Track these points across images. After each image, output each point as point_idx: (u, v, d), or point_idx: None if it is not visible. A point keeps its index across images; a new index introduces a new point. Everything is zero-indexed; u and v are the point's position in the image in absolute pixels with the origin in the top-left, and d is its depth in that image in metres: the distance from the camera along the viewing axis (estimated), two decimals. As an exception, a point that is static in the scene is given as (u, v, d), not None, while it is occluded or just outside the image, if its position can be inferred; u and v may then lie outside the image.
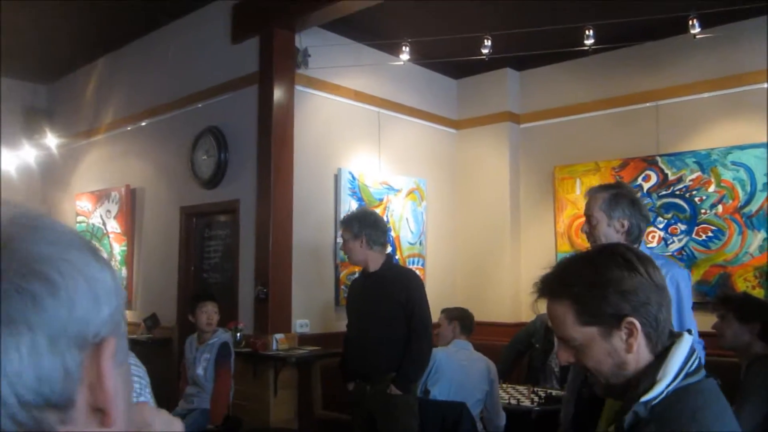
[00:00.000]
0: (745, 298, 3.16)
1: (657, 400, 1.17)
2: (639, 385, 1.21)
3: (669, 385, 1.18)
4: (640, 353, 1.23)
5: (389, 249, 3.89)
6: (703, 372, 1.22)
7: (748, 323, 2.95)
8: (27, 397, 0.47)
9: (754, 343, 2.94)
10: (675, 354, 1.21)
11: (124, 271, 6.05)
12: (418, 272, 5.17)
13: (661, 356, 1.23)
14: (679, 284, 2.24)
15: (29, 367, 0.46)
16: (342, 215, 5.03)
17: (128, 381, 0.58)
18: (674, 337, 1.27)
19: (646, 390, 1.18)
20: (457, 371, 3.77)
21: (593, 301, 1.21)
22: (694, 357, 1.22)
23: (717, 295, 3.37)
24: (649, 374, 1.20)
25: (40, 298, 0.48)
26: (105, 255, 0.58)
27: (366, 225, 3.69)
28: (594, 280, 1.23)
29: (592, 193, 2.49)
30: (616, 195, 2.43)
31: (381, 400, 3.51)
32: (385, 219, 5.35)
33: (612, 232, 2.42)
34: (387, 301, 3.58)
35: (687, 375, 1.20)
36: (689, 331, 1.27)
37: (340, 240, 3.76)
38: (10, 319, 0.46)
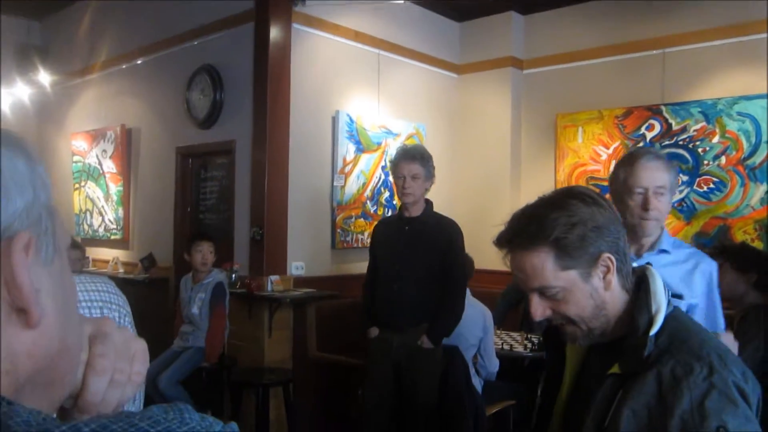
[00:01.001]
0: (744, 248, 3.15)
1: (654, 332, 1.19)
2: (633, 323, 1.21)
3: (664, 315, 1.21)
4: (614, 290, 1.24)
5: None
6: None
7: (746, 273, 2.94)
8: None
9: (749, 293, 2.94)
10: (656, 285, 1.24)
11: (120, 211, 6.03)
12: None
13: (639, 291, 1.24)
14: (712, 277, 2.06)
15: None
16: (339, 158, 4.99)
17: (66, 286, 0.54)
18: (639, 273, 1.29)
19: (646, 324, 1.19)
20: None
21: (574, 242, 1.19)
22: (665, 285, 1.26)
23: (715, 244, 3.35)
24: (642, 309, 1.21)
25: None
26: (27, 148, 0.52)
27: (433, 166, 3.51)
28: (571, 221, 1.20)
29: None
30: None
31: (410, 351, 3.36)
32: (383, 164, 5.31)
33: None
34: (427, 249, 3.39)
35: (668, 303, 1.24)
36: (648, 264, 1.31)
37: (403, 175, 3.39)
38: None
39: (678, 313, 1.24)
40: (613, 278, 1.22)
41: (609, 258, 1.21)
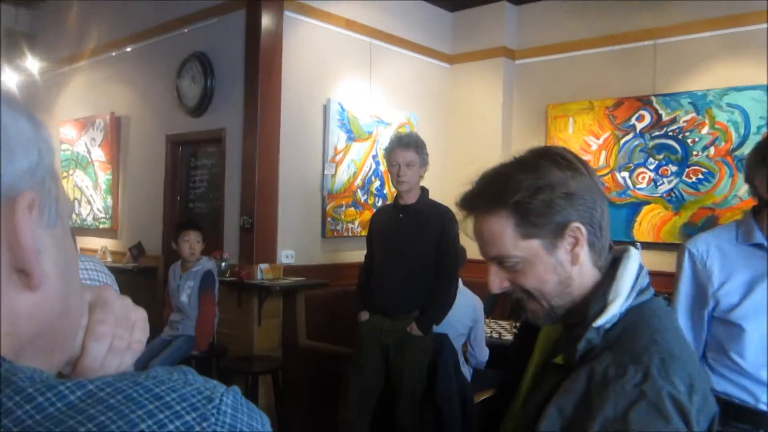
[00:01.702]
0: None
1: (610, 324, 1.04)
2: (588, 308, 1.07)
3: (622, 306, 1.06)
4: (584, 267, 1.10)
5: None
6: (652, 289, 1.11)
7: None
8: None
9: None
10: (625, 270, 1.08)
11: (109, 200, 5.99)
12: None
13: (609, 274, 1.10)
14: None
15: None
16: (330, 147, 4.98)
17: (68, 251, 0.53)
18: (617, 252, 1.14)
19: (597, 313, 1.04)
20: None
21: (538, 208, 1.06)
22: (644, 272, 1.11)
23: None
24: (599, 295, 1.07)
25: None
26: (32, 111, 0.52)
27: (427, 153, 3.51)
28: (537, 185, 1.06)
29: None
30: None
31: (398, 337, 3.39)
32: (374, 153, 5.30)
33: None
34: (422, 236, 3.40)
35: (639, 293, 1.08)
36: (634, 244, 1.15)
37: (398, 163, 3.40)
38: None
39: (651, 306, 1.08)
40: (582, 252, 1.08)
41: (578, 228, 1.07)
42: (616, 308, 1.04)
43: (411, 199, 3.47)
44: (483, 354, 3.85)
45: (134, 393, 0.43)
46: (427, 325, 3.35)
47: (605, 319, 1.03)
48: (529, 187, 1.06)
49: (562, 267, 1.09)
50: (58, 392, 0.42)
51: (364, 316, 3.52)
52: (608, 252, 1.14)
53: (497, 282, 1.13)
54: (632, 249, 1.13)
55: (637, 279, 1.08)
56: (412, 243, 3.41)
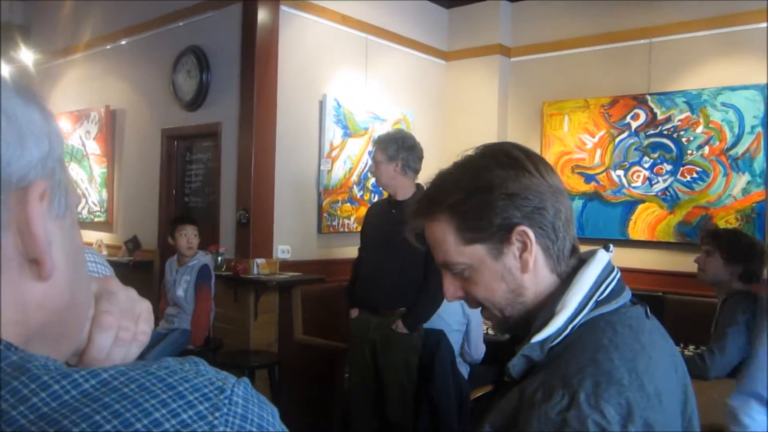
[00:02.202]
0: (735, 238, 3.11)
1: (558, 340, 0.92)
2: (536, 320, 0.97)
3: (573, 319, 0.93)
4: (538, 273, 1.00)
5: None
6: (623, 299, 0.97)
7: (733, 264, 2.95)
8: None
9: (733, 282, 2.97)
10: (581, 278, 0.96)
11: (104, 194, 5.97)
12: None
13: (566, 281, 0.99)
14: None
15: None
16: (326, 142, 4.98)
17: (76, 242, 0.54)
18: (585, 255, 1.03)
19: (541, 326, 0.94)
20: None
21: (475, 210, 0.98)
22: (610, 279, 0.97)
23: (707, 227, 3.31)
24: (549, 306, 0.96)
25: None
26: (41, 100, 0.52)
27: (404, 148, 3.42)
28: (474, 186, 0.99)
29: None
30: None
31: (385, 334, 3.38)
32: (369, 149, 5.30)
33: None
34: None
35: (597, 304, 0.95)
36: (606, 247, 1.02)
37: (376, 159, 3.46)
38: None
39: (610, 319, 0.94)
40: (532, 258, 0.98)
41: (524, 232, 0.97)
42: (560, 321, 0.93)
43: (403, 195, 3.43)
44: (479, 352, 3.85)
45: (147, 382, 0.43)
46: (412, 323, 3.33)
47: (546, 333, 0.92)
48: (465, 188, 1.00)
49: (510, 274, 0.99)
50: (72, 380, 0.42)
51: (354, 312, 3.52)
52: (571, 255, 1.02)
53: (451, 290, 1.05)
54: (599, 253, 1.00)
55: (597, 287, 0.96)
56: (402, 240, 3.36)
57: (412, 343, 3.36)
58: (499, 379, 1.10)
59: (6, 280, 0.46)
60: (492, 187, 0.97)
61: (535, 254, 0.98)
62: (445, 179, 1.05)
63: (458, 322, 3.73)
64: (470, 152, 1.07)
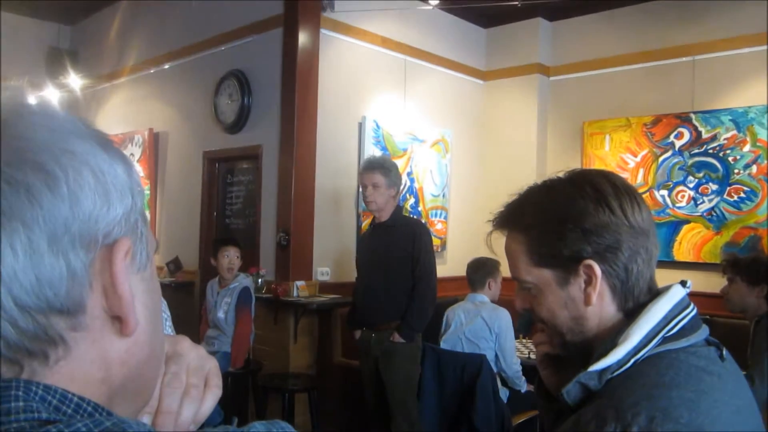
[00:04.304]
0: (755, 261, 3.09)
1: (618, 371, 0.90)
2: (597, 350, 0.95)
3: (637, 353, 0.91)
4: (603, 308, 0.98)
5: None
6: (696, 337, 0.93)
7: (756, 286, 2.93)
8: (25, 300, 0.42)
9: (760, 305, 2.92)
10: (650, 311, 0.94)
11: (147, 215, 6.07)
12: (425, 221, 5.18)
13: (633, 314, 0.96)
14: None
15: (26, 267, 0.42)
16: (365, 164, 4.99)
17: (154, 291, 0.54)
18: (659, 291, 1.00)
19: (601, 356, 0.91)
20: (457, 325, 3.78)
21: (546, 237, 0.99)
22: (682, 315, 0.94)
23: (726, 258, 3.27)
24: (611, 336, 0.94)
25: (36, 191, 0.42)
26: (122, 150, 0.52)
27: (398, 174, 3.70)
28: (551, 213, 0.99)
29: None
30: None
31: (384, 348, 3.57)
32: (408, 170, 5.31)
33: None
34: (395, 250, 3.59)
35: (665, 339, 0.92)
36: (683, 283, 1.00)
37: (365, 184, 3.65)
38: (1, 214, 0.41)
39: (676, 356, 0.90)
40: (595, 293, 0.97)
41: (591, 267, 0.96)
42: (621, 353, 0.90)
43: (385, 216, 3.65)
44: (510, 366, 3.74)
45: None
46: (408, 331, 3.52)
47: (606, 363, 0.90)
48: (543, 212, 1.01)
49: (573, 303, 0.99)
50: None
51: (358, 334, 3.76)
52: (646, 294, 1.00)
53: (519, 301, 1.07)
54: (674, 288, 0.98)
55: (667, 323, 0.93)
56: (387, 257, 3.62)
57: (412, 353, 3.55)
58: (549, 406, 1.10)
59: (90, 339, 0.46)
60: (567, 219, 0.97)
61: (601, 290, 0.97)
62: (528, 199, 1.06)
63: (486, 340, 3.66)
64: (561, 174, 1.05)
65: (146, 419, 0.59)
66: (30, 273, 0.42)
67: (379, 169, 3.61)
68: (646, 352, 0.90)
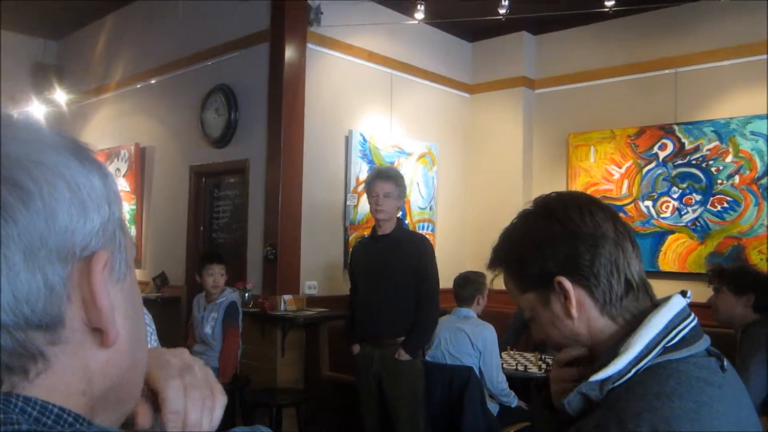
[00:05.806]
0: (740, 271, 3.12)
1: (620, 382, 0.91)
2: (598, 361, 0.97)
3: (638, 363, 0.91)
4: (589, 318, 1.00)
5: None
6: (697, 348, 0.94)
7: (743, 295, 2.94)
8: (2, 318, 0.42)
9: (747, 315, 2.94)
10: (650, 321, 0.94)
11: (133, 230, 6.05)
12: (427, 236, 5.15)
13: (634, 323, 0.97)
14: None
15: (2, 286, 0.42)
16: (352, 177, 5.00)
17: (135, 300, 0.54)
18: (660, 301, 1.01)
19: (602, 366, 0.93)
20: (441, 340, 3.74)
21: (520, 264, 1.04)
22: (683, 326, 0.94)
23: (712, 268, 3.30)
24: (612, 347, 0.95)
25: (9, 208, 0.42)
26: (98, 159, 0.52)
27: (405, 187, 3.69)
28: (519, 240, 1.06)
29: None
30: None
31: (388, 364, 3.49)
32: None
33: None
34: (400, 264, 3.53)
35: (666, 349, 0.92)
36: (683, 293, 1.00)
37: (377, 193, 3.56)
38: None
39: (677, 366, 0.90)
40: (573, 306, 0.99)
41: (561, 283, 0.99)
42: (622, 363, 0.91)
43: (388, 228, 3.60)
44: (497, 384, 3.70)
45: None
46: (413, 348, 3.46)
47: (606, 374, 0.91)
48: (512, 243, 1.07)
49: (560, 320, 1.02)
50: None
51: (356, 349, 3.65)
52: (628, 295, 1.00)
53: (533, 334, 1.12)
54: (674, 298, 0.98)
55: (667, 333, 0.93)
56: (391, 270, 3.56)
57: (417, 368, 3.49)
58: (552, 417, 1.12)
59: (70, 352, 0.46)
60: (524, 240, 1.04)
61: (579, 300, 0.99)
62: (504, 232, 1.11)
63: (470, 356, 3.61)
64: (528, 205, 1.10)
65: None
66: (7, 291, 0.42)
67: (393, 179, 3.60)
68: (647, 362, 0.91)
